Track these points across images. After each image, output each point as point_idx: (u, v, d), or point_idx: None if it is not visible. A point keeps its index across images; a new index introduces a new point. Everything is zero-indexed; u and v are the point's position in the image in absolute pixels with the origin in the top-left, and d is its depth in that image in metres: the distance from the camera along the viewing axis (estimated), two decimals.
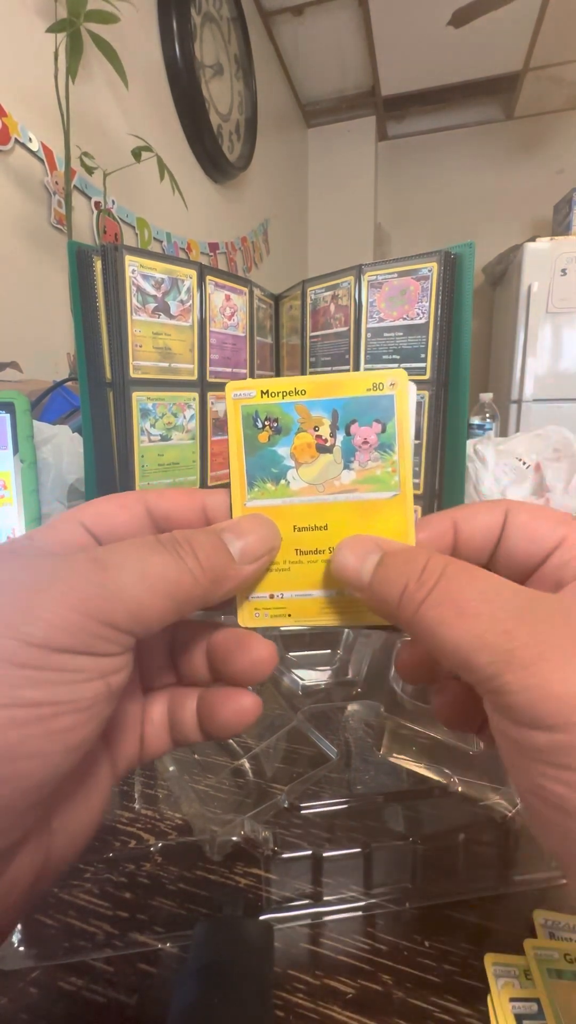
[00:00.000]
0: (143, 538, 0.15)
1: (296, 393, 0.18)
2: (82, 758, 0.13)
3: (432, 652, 0.15)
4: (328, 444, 0.18)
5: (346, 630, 0.45)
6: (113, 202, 1.29)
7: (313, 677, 0.39)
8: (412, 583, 0.15)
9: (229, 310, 0.54)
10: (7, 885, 0.13)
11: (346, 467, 0.18)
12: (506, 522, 0.17)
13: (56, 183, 1.11)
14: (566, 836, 0.13)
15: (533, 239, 2.01)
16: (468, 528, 0.18)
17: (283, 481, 0.18)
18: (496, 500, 0.18)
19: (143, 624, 0.14)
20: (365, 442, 0.18)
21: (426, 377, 0.49)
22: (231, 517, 0.18)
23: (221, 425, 0.53)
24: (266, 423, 0.18)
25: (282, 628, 0.19)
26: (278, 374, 0.70)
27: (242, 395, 0.18)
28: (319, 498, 0.18)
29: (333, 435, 0.18)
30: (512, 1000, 0.20)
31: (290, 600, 0.18)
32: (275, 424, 0.18)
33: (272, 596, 0.18)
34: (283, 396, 0.18)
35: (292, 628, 0.18)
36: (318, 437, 0.18)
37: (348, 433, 0.18)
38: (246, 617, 0.19)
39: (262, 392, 0.18)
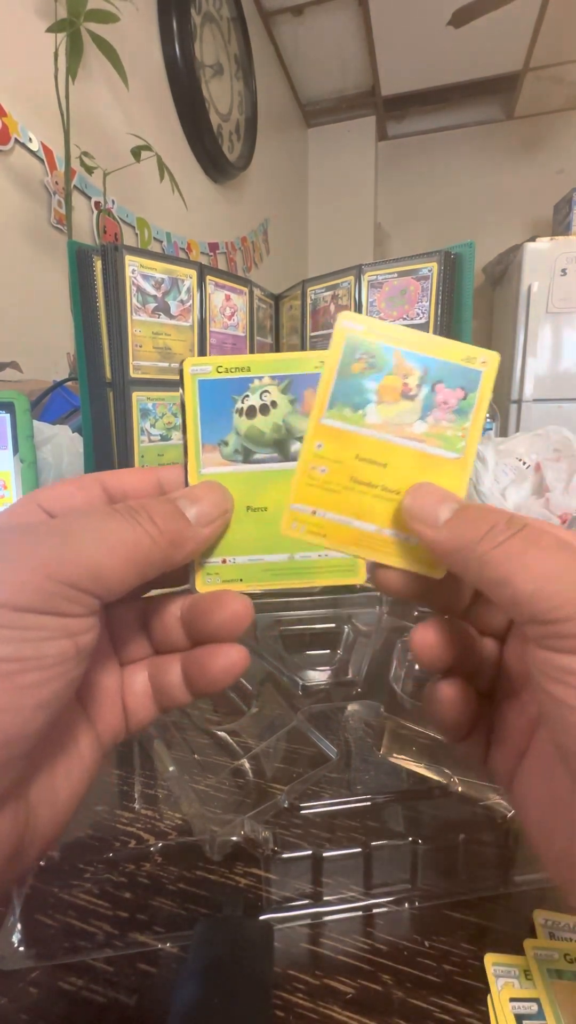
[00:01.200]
0: (100, 507, 0.16)
1: (399, 342, 0.19)
2: (54, 719, 0.14)
3: (496, 585, 0.15)
4: (412, 393, 0.19)
5: (346, 630, 0.45)
6: (113, 202, 1.29)
7: (313, 677, 0.39)
8: (501, 524, 0.15)
9: (229, 310, 0.54)
10: None
11: (421, 418, 0.19)
12: None
13: (56, 183, 1.11)
14: None
15: (533, 239, 2.01)
16: None
17: (361, 411, 0.19)
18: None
19: (105, 585, 0.14)
20: (445, 402, 0.19)
21: None
22: (186, 487, 0.19)
23: None
24: (363, 356, 0.19)
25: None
26: None
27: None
28: (388, 437, 0.19)
29: (419, 387, 0.19)
30: (512, 1000, 0.20)
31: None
32: (372, 360, 0.19)
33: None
34: (387, 340, 0.19)
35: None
36: (405, 384, 0.19)
37: (433, 390, 0.19)
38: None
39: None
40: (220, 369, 0.19)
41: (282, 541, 0.19)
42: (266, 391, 0.19)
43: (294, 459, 0.19)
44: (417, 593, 0.19)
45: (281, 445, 0.19)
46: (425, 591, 0.19)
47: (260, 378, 0.19)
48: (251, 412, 0.19)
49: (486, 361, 0.19)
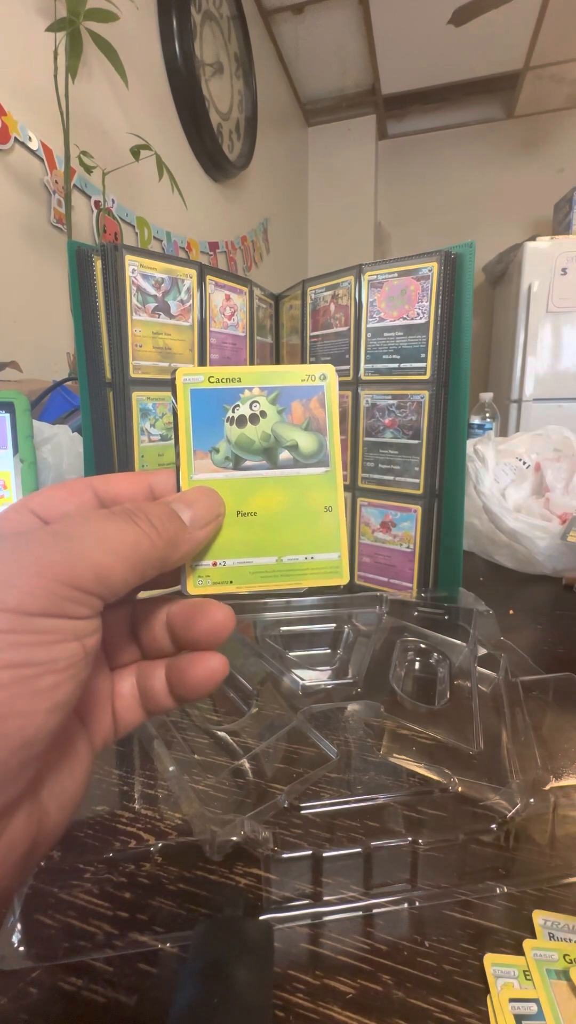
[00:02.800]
0: (97, 510, 0.17)
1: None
2: (64, 721, 0.14)
3: None
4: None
5: (346, 630, 0.45)
6: (113, 201, 1.29)
7: (313, 677, 0.39)
8: None
9: (229, 310, 0.54)
10: (5, 847, 0.14)
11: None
12: None
13: (56, 182, 1.11)
14: None
15: (533, 238, 2.01)
16: None
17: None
18: None
19: (108, 586, 0.15)
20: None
21: (426, 377, 0.49)
22: (178, 492, 0.20)
23: None
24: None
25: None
26: None
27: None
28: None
29: (271, 415, 0.20)
30: (512, 1001, 0.20)
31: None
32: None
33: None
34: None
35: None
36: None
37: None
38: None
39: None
40: (212, 379, 0.20)
41: (270, 544, 0.20)
42: (256, 401, 0.20)
43: (283, 466, 0.20)
44: None
45: (270, 453, 0.20)
46: None
47: (250, 389, 0.20)
48: (241, 421, 0.20)
49: (326, 376, 0.20)
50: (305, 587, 0.21)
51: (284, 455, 0.20)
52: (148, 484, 0.19)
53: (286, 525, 0.20)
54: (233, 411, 0.20)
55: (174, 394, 0.20)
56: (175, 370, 0.20)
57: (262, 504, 0.20)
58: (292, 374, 0.20)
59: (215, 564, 0.20)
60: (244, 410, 0.20)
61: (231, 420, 0.20)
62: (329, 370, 0.21)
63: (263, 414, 0.20)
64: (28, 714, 0.13)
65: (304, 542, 0.20)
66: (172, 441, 0.54)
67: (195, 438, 0.20)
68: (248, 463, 0.20)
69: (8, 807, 0.14)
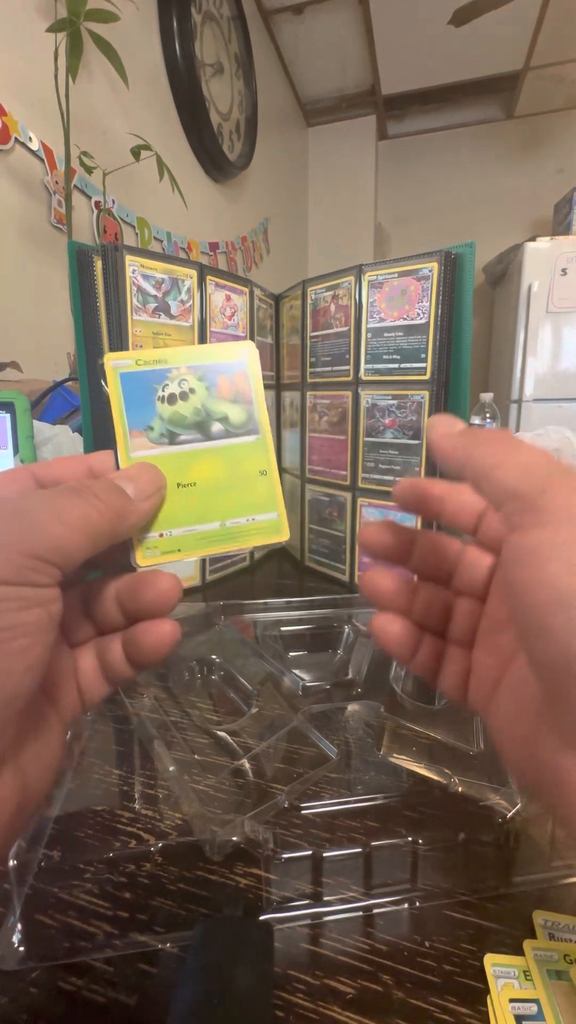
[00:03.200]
0: (53, 488, 0.18)
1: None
2: (39, 682, 0.16)
3: (490, 469, 0.16)
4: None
5: (346, 630, 0.45)
6: (113, 201, 1.29)
7: (313, 677, 0.39)
8: (499, 432, 0.17)
9: (229, 310, 0.54)
10: None
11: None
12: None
13: (56, 182, 1.11)
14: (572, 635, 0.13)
15: (533, 239, 2.01)
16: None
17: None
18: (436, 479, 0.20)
19: (65, 555, 0.16)
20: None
21: (426, 377, 0.49)
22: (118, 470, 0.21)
23: None
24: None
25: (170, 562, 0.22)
26: (278, 374, 0.70)
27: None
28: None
29: (199, 391, 0.22)
30: (512, 1001, 0.20)
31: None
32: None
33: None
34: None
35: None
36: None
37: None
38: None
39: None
40: (139, 362, 0.21)
41: (212, 511, 0.21)
42: (184, 379, 0.22)
43: (216, 437, 0.22)
44: (401, 555, 0.22)
45: (202, 426, 0.22)
46: (410, 554, 0.22)
47: (177, 368, 0.21)
48: (172, 399, 0.21)
49: (246, 351, 0.22)
50: (250, 547, 0.22)
51: (216, 427, 0.22)
52: (87, 465, 0.20)
53: (225, 492, 0.21)
54: (163, 390, 0.21)
55: (104, 379, 0.21)
56: (103, 356, 0.21)
57: (200, 474, 0.21)
58: (214, 352, 0.22)
59: (161, 535, 0.21)
60: (174, 388, 0.21)
61: (162, 399, 0.21)
62: (248, 346, 0.22)
63: (192, 391, 0.21)
64: (6, 672, 0.14)
65: (244, 506, 0.22)
66: None
67: (129, 419, 0.21)
68: (183, 437, 0.21)
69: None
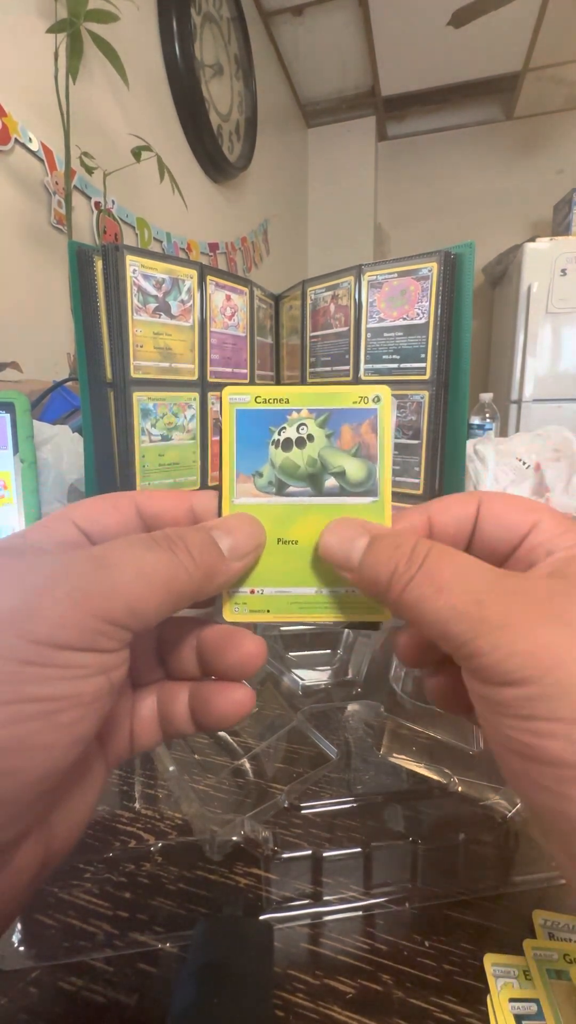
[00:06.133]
0: (138, 536, 0.16)
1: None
2: (83, 754, 0.14)
3: (418, 627, 0.16)
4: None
5: (346, 630, 0.45)
6: (113, 202, 1.29)
7: (313, 677, 0.39)
8: (401, 564, 0.16)
9: (229, 310, 0.54)
10: (13, 875, 0.14)
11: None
12: (479, 512, 0.18)
13: (56, 183, 1.11)
14: (535, 783, 0.14)
15: (533, 239, 2.01)
16: (442, 520, 0.19)
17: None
18: (471, 492, 0.19)
19: (141, 619, 0.14)
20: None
21: (426, 377, 0.49)
22: (219, 516, 0.19)
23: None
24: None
25: (261, 624, 0.20)
26: (278, 374, 0.70)
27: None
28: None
29: (319, 439, 0.19)
30: (512, 1000, 0.20)
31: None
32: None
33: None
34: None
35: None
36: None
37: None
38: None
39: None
40: (258, 399, 0.19)
41: (310, 575, 0.19)
42: (303, 424, 0.19)
43: (328, 494, 0.19)
44: (433, 657, 0.20)
45: (315, 479, 0.19)
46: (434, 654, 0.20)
47: (298, 410, 0.19)
48: (287, 445, 0.19)
49: (380, 398, 0.19)
50: (344, 622, 0.20)
51: (330, 482, 0.19)
52: (190, 504, 0.19)
53: None
54: (279, 433, 0.19)
55: (221, 414, 0.19)
56: (223, 388, 0.19)
57: (304, 532, 0.19)
58: (343, 396, 0.19)
59: (253, 592, 0.19)
60: (291, 433, 0.19)
61: (276, 443, 0.19)
62: (384, 392, 0.19)
63: (310, 438, 0.19)
64: (49, 747, 0.13)
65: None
66: (173, 441, 0.53)
67: (239, 461, 0.19)
68: (292, 489, 0.19)
69: (20, 837, 0.14)
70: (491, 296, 2.72)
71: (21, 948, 0.22)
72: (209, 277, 0.51)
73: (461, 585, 0.15)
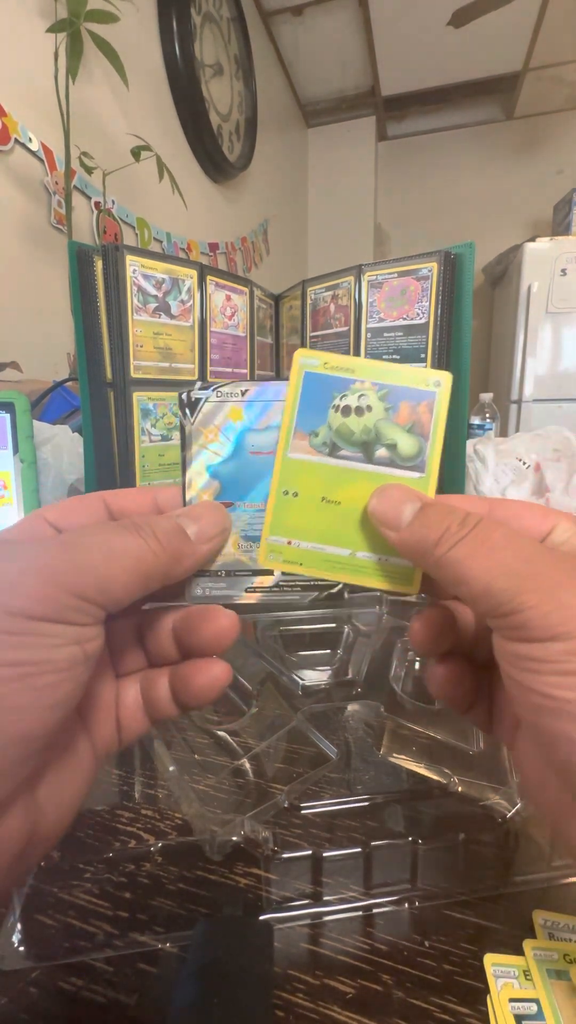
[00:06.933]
0: (108, 522, 0.17)
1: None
2: (64, 719, 0.15)
3: (455, 587, 0.16)
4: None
5: (346, 630, 0.45)
6: (113, 202, 1.29)
7: (313, 677, 0.39)
8: (453, 527, 0.16)
9: (229, 310, 0.54)
10: None
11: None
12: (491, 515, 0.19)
13: (56, 183, 1.11)
14: (573, 743, 0.14)
15: (533, 239, 2.01)
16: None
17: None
18: (480, 496, 0.19)
19: (111, 596, 0.15)
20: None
21: None
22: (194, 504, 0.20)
23: None
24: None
25: (244, 610, 0.20)
26: (278, 374, 0.70)
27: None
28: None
29: (377, 411, 0.20)
30: (512, 1000, 0.20)
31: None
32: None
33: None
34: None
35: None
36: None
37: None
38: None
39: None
40: (327, 365, 0.20)
41: (347, 537, 0.20)
42: (364, 395, 0.20)
43: (377, 463, 0.20)
44: (446, 645, 0.20)
45: (367, 447, 0.20)
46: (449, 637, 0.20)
47: (362, 381, 0.20)
48: (346, 411, 0.20)
49: (440, 382, 0.20)
50: (374, 588, 0.20)
51: (381, 452, 0.20)
52: (154, 498, 0.20)
53: (367, 521, 0.20)
54: (340, 400, 0.20)
55: (289, 372, 0.20)
56: (296, 349, 0.20)
57: (348, 495, 0.20)
58: (407, 374, 0.20)
59: (290, 543, 0.20)
60: (351, 400, 0.20)
61: (336, 408, 0.20)
62: (445, 377, 0.20)
63: (369, 408, 0.20)
64: (27, 709, 0.14)
65: (382, 542, 0.20)
66: (173, 441, 0.53)
67: (299, 419, 0.20)
68: (344, 452, 0.20)
69: (3, 802, 0.14)
70: (491, 296, 2.72)
71: (21, 948, 0.22)
72: (209, 277, 0.51)
73: (511, 547, 0.15)
